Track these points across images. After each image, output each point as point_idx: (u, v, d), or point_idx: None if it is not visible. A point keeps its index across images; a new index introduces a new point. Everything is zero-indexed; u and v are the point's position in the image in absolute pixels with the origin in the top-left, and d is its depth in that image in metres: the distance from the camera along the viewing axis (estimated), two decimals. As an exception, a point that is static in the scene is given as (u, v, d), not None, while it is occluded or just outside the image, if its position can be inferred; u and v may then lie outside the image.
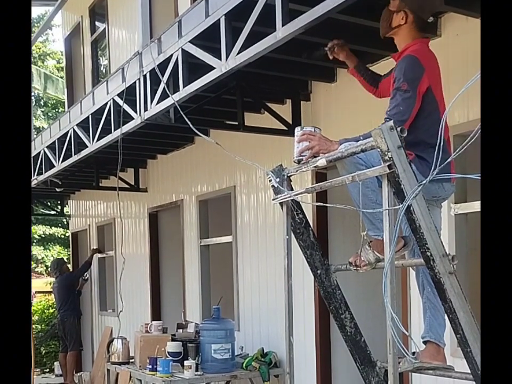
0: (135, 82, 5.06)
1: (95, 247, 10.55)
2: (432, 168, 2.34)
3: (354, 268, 2.99)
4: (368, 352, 3.18)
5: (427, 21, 3.11)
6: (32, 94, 19.28)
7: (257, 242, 6.38)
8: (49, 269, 12.34)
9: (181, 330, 6.29)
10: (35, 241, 19.25)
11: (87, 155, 6.34)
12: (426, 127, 2.94)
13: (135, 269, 8.83)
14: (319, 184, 2.97)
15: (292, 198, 2.93)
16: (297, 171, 2.96)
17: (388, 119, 2.83)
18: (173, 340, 6.02)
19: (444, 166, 2.38)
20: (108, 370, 6.78)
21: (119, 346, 6.44)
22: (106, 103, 5.66)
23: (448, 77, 3.25)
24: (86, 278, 10.64)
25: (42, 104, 21.29)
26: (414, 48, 3.02)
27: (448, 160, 2.35)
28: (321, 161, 2.74)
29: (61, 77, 17.09)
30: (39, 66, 19.30)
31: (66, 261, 11.12)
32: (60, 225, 20.06)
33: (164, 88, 4.51)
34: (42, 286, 14.82)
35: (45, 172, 7.65)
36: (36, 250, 19.41)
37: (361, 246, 2.87)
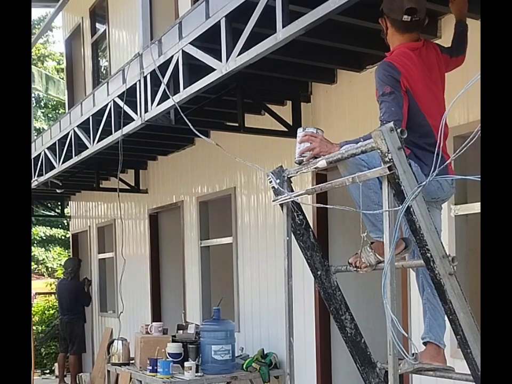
0: (135, 83, 5.07)
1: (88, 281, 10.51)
2: (432, 169, 2.34)
3: (355, 269, 2.99)
4: (368, 353, 3.18)
5: (405, 21, 3.08)
6: (33, 95, 19.30)
7: (257, 244, 6.38)
8: (63, 267, 12.08)
9: (181, 331, 6.29)
10: (35, 242, 19.24)
11: (88, 156, 6.34)
12: (414, 128, 2.93)
13: (136, 270, 8.83)
14: (319, 185, 2.97)
15: (292, 199, 2.93)
16: (297, 172, 2.96)
17: (385, 122, 2.82)
18: (173, 341, 6.02)
19: (441, 167, 2.38)
20: (108, 371, 6.79)
21: (119, 348, 6.44)
22: (107, 105, 5.66)
23: (447, 78, 3.25)
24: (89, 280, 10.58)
25: (43, 106, 21.30)
26: (393, 54, 3.08)
27: (448, 161, 2.35)
28: (322, 163, 2.75)
29: (62, 79, 17.10)
30: (39, 68, 19.30)
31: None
32: (60, 226, 20.05)
33: (164, 89, 4.52)
34: (42, 287, 14.78)
35: (45, 173, 7.66)
36: (37, 252, 19.40)
37: (361, 247, 2.87)
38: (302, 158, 2.89)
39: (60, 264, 14.71)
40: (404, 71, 2.96)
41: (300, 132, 2.95)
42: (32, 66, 15.25)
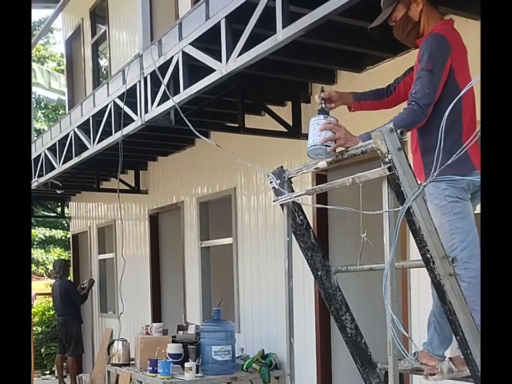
0: (135, 84, 5.07)
1: (91, 280, 10.53)
2: (432, 170, 2.33)
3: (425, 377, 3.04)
4: (369, 353, 3.18)
5: None
6: (34, 93, 19.30)
7: (257, 244, 6.38)
8: (51, 268, 12.33)
9: (181, 332, 6.29)
10: (35, 243, 19.24)
11: (88, 157, 6.35)
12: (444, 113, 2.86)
13: (136, 270, 8.84)
14: (319, 185, 2.97)
15: (292, 199, 2.93)
16: (297, 173, 2.96)
17: (413, 102, 2.78)
18: (173, 341, 6.02)
19: (462, 157, 2.35)
20: (108, 372, 6.79)
21: (119, 348, 6.45)
22: (107, 105, 5.67)
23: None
24: (84, 285, 10.57)
25: (43, 106, 21.30)
26: (440, 28, 2.93)
27: (448, 162, 2.34)
28: (322, 163, 2.74)
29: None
30: (41, 65, 19.31)
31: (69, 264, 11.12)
32: (60, 227, 20.05)
33: (165, 90, 4.52)
34: (42, 288, 14.79)
35: (45, 174, 7.66)
36: (37, 253, 19.40)
37: (361, 247, 2.86)
38: (323, 147, 2.65)
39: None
40: (454, 47, 2.87)
41: (320, 118, 2.70)
42: (33, 63, 15.30)
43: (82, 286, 10.54)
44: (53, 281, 11.22)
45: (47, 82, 15.00)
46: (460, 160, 2.34)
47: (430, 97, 2.79)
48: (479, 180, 2.80)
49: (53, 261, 12.35)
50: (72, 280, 11.13)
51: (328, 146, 2.65)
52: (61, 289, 10.11)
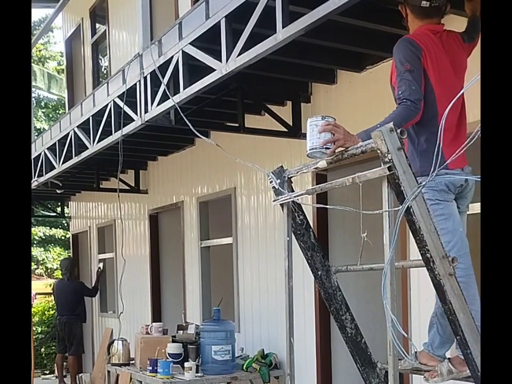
0: (135, 84, 5.07)
1: (99, 270, 10.41)
2: (432, 169, 2.33)
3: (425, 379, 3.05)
4: (369, 353, 3.18)
5: (424, 7, 3.05)
6: (34, 94, 19.30)
7: (257, 244, 6.38)
8: (51, 267, 12.32)
9: (181, 331, 6.29)
10: (35, 242, 19.25)
11: (88, 157, 6.35)
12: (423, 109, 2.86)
13: (136, 270, 8.84)
14: (319, 185, 2.97)
15: (292, 199, 2.93)
16: (297, 172, 2.96)
17: (404, 100, 2.81)
18: (173, 341, 6.02)
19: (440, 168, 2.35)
20: (108, 371, 6.79)
21: (119, 348, 6.45)
22: (107, 105, 5.66)
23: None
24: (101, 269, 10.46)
25: (43, 106, 21.31)
26: (412, 34, 3.03)
27: (446, 162, 2.34)
28: (322, 163, 2.74)
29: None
30: (42, 66, 19.32)
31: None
32: (60, 226, 20.06)
33: (164, 90, 4.52)
34: (42, 288, 14.77)
35: (45, 174, 7.66)
36: (36, 252, 19.40)
37: (361, 247, 2.86)
38: (323, 149, 2.65)
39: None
40: (424, 49, 2.93)
41: (318, 120, 2.67)
42: (34, 65, 15.29)
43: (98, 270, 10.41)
44: (53, 280, 11.20)
45: (47, 86, 14.98)
46: (433, 162, 2.33)
47: (418, 93, 2.84)
48: (458, 179, 2.82)
49: (60, 261, 12.23)
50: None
51: (328, 148, 2.65)
52: (69, 290, 9.96)
